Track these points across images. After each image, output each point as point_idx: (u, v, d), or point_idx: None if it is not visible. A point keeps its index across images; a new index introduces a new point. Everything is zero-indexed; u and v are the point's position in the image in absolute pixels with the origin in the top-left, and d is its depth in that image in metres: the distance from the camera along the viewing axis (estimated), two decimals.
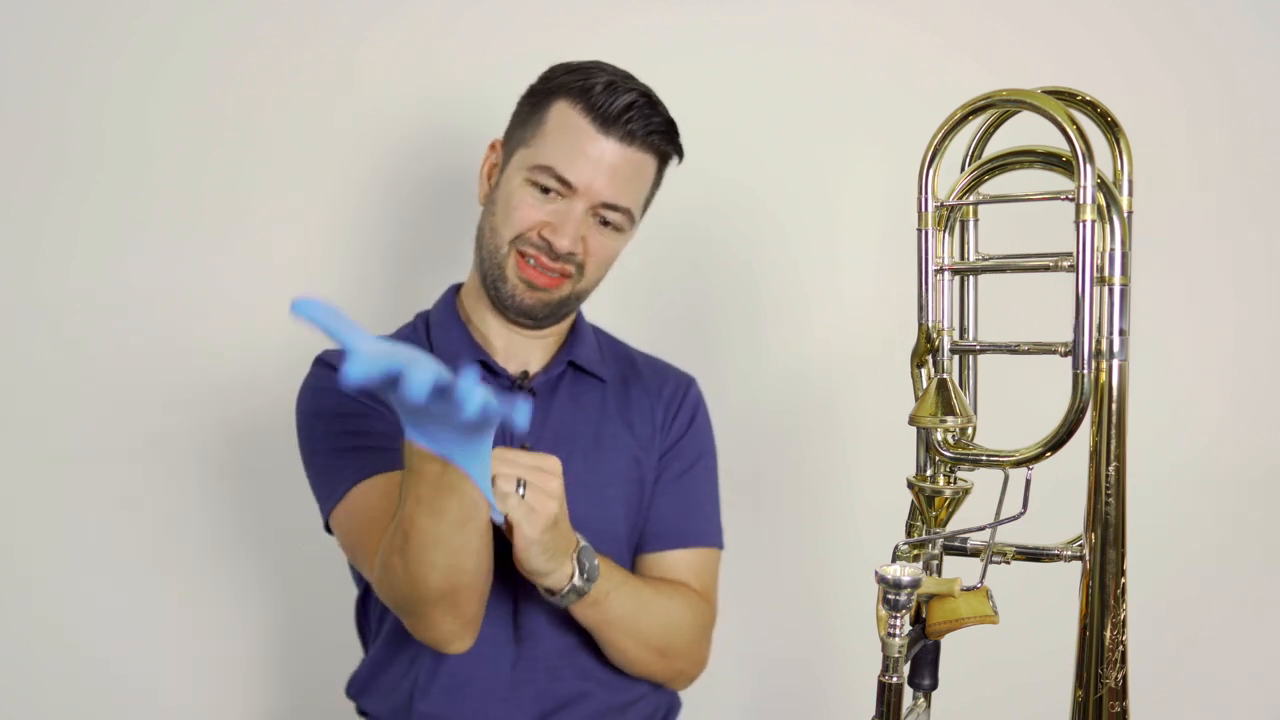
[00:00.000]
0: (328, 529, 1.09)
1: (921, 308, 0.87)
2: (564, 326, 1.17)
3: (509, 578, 1.01)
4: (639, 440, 1.15)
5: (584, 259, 1.08)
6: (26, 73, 1.51)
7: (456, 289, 1.19)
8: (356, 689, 1.16)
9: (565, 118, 1.05)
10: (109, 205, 1.52)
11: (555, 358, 1.15)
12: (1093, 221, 0.79)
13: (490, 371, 1.11)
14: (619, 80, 1.06)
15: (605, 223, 1.08)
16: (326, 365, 1.12)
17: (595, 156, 1.05)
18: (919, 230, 0.87)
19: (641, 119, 1.05)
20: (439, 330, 1.14)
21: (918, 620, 0.88)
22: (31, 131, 1.51)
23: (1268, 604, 1.56)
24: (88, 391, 1.53)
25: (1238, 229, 1.55)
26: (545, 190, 1.06)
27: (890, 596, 0.76)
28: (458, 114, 1.56)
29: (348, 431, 1.06)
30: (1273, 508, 1.55)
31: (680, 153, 1.13)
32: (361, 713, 1.16)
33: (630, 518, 1.13)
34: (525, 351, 1.14)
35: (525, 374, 1.12)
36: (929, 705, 0.91)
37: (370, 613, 1.17)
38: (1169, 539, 1.51)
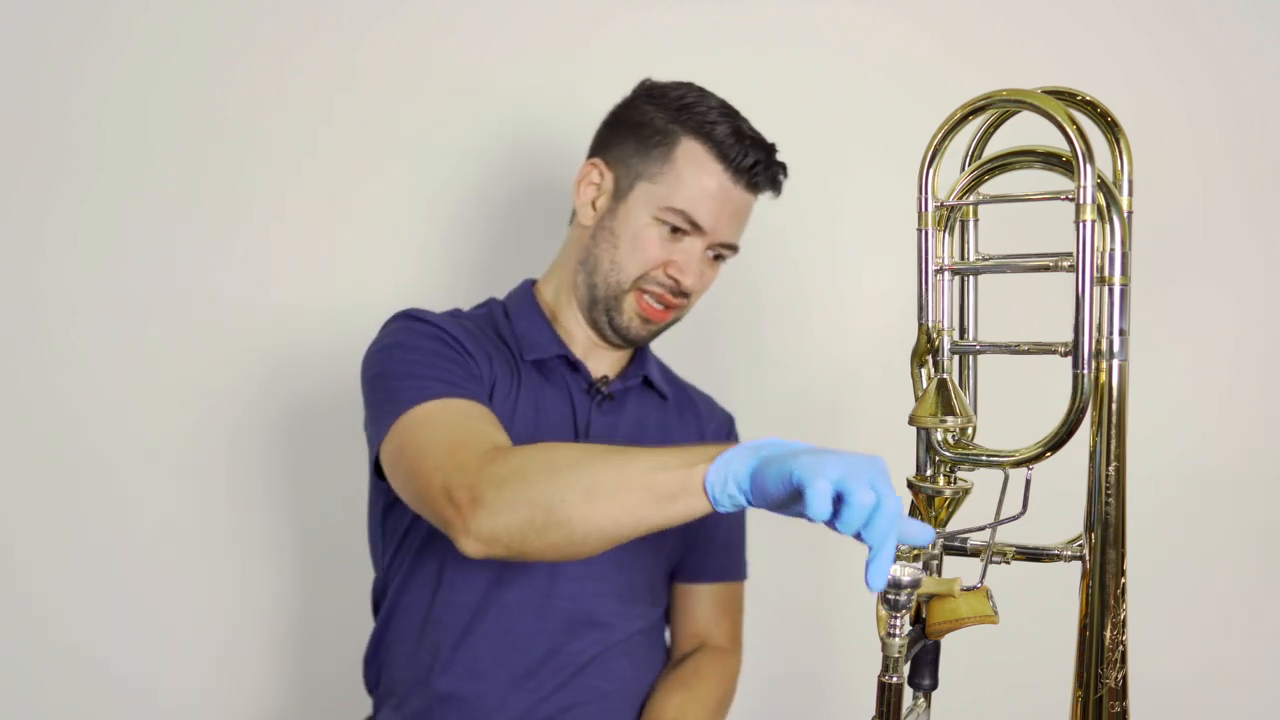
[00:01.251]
0: (376, 449, 1.04)
1: (921, 308, 0.87)
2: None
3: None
4: None
5: (695, 292, 1.15)
6: (27, 73, 1.51)
7: (532, 283, 1.22)
8: (369, 660, 1.17)
9: (698, 162, 1.10)
10: (109, 205, 1.53)
11: (629, 370, 1.21)
12: (1093, 221, 0.79)
13: (573, 369, 1.16)
14: (744, 126, 1.13)
15: (718, 257, 1.16)
16: (416, 319, 1.11)
17: (726, 203, 1.11)
18: (919, 230, 0.87)
19: (767, 173, 1.14)
20: (522, 322, 1.16)
21: (918, 620, 0.88)
22: (31, 132, 1.52)
23: (1268, 604, 1.56)
24: (88, 391, 1.53)
25: (1237, 229, 1.55)
26: (674, 230, 1.11)
27: (890, 596, 0.76)
28: (459, 113, 1.56)
29: (439, 362, 1.05)
30: (1273, 507, 1.54)
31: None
32: (370, 688, 1.17)
33: (676, 535, 1.17)
34: (601, 358, 1.19)
35: (605, 379, 1.17)
36: (929, 705, 0.91)
37: (388, 593, 1.16)
38: (1169, 539, 1.51)
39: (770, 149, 1.14)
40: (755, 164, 1.11)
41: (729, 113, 1.13)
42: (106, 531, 1.54)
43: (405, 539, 1.13)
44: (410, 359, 1.04)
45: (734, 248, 1.16)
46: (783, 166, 1.16)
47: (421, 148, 1.56)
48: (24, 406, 1.53)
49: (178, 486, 1.54)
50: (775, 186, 1.17)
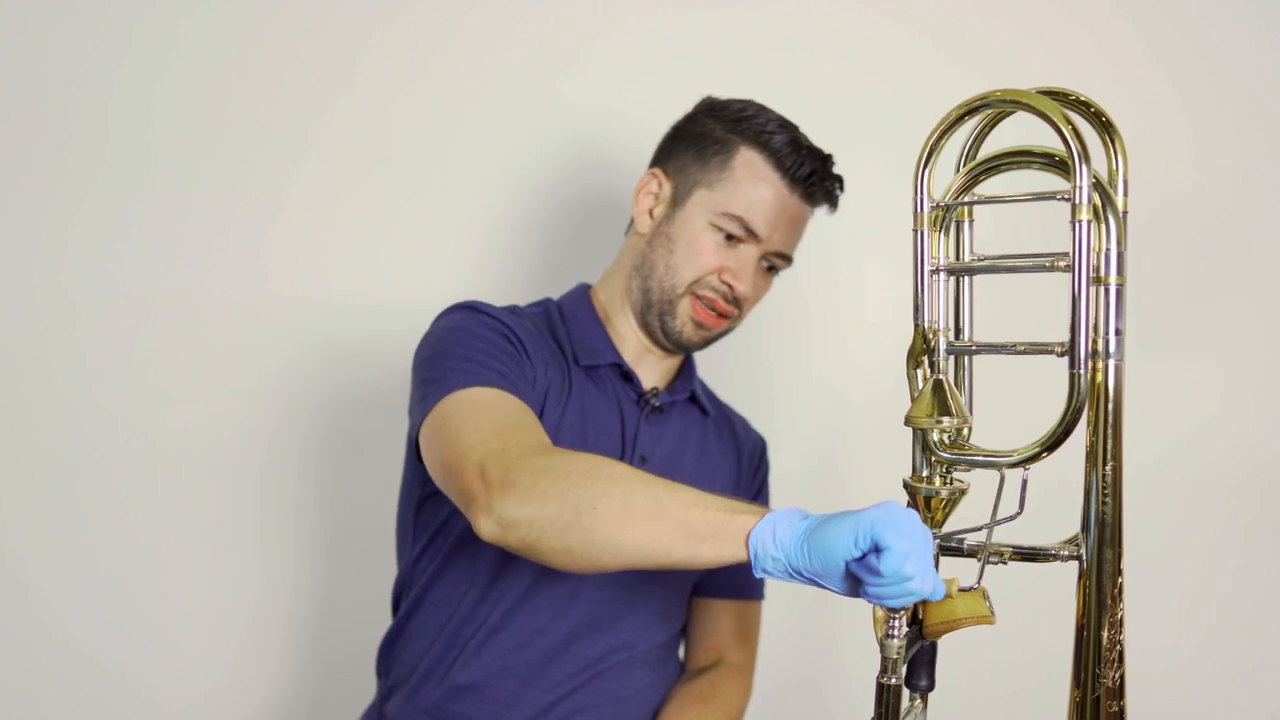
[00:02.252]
0: (417, 427, 1.02)
1: (917, 308, 0.87)
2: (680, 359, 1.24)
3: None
4: (725, 480, 1.22)
5: (749, 301, 1.16)
6: (27, 73, 1.52)
7: (588, 288, 1.22)
8: (384, 648, 1.17)
9: (755, 169, 1.12)
10: (109, 206, 1.53)
11: (676, 383, 1.22)
12: (1088, 221, 0.79)
13: (625, 379, 1.17)
14: (802, 138, 1.15)
15: (771, 268, 1.17)
16: (479, 310, 1.11)
17: (782, 211, 1.13)
18: (914, 231, 0.87)
19: (823, 184, 1.15)
20: (579, 327, 1.17)
21: (915, 621, 0.88)
22: (32, 132, 1.52)
23: (1266, 603, 1.56)
24: (87, 391, 1.53)
25: (1234, 229, 1.55)
26: (730, 237, 1.12)
27: None
28: (459, 115, 1.56)
29: (499, 355, 1.05)
30: (1270, 507, 1.54)
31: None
32: (381, 673, 1.18)
33: None
34: (652, 367, 1.20)
35: (655, 390, 1.18)
36: (926, 706, 0.91)
37: (414, 587, 1.16)
38: (1166, 538, 1.51)
39: (827, 160, 1.16)
40: (811, 174, 1.13)
41: (787, 125, 1.15)
42: (105, 531, 1.54)
43: (439, 534, 1.13)
44: (470, 344, 1.04)
45: (788, 259, 1.18)
46: (839, 180, 1.18)
47: (421, 148, 1.56)
48: (23, 406, 1.53)
49: (177, 487, 1.54)
50: (831, 200, 1.18)
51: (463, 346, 1.04)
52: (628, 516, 0.83)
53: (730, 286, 1.13)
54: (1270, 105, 1.54)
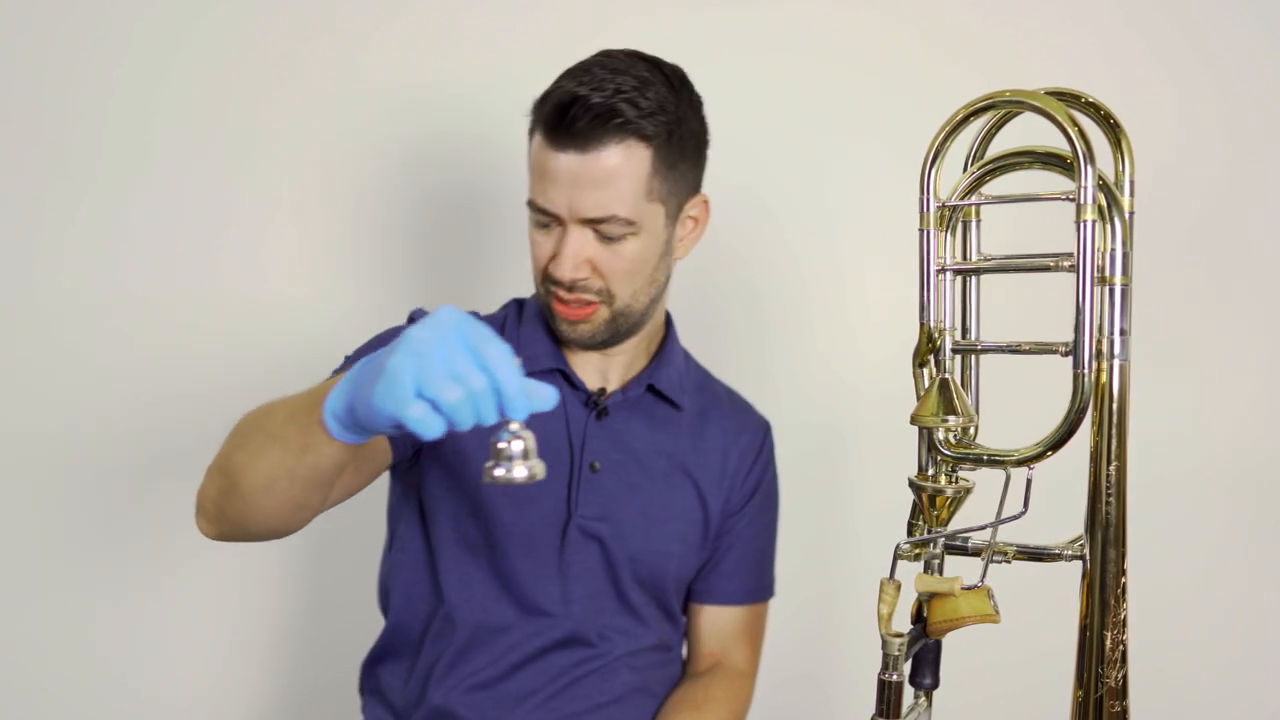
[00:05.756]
0: None
1: (923, 308, 0.87)
2: (648, 346, 1.13)
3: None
4: (708, 480, 1.13)
5: (604, 281, 1.02)
6: (27, 73, 1.51)
7: None
8: (370, 664, 1.15)
9: (536, 147, 1.01)
10: (109, 206, 1.53)
11: (636, 378, 1.11)
12: (1093, 222, 0.79)
13: (569, 384, 1.09)
14: (565, 81, 0.98)
15: (608, 238, 1.00)
16: (410, 319, 1.09)
17: (555, 176, 0.98)
18: (921, 230, 0.87)
19: (586, 114, 0.95)
20: (528, 329, 1.10)
21: (919, 619, 0.88)
22: (32, 132, 1.52)
23: (1268, 603, 1.56)
24: (88, 390, 1.53)
25: (1235, 228, 1.55)
26: (545, 225, 1.02)
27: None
28: (457, 118, 1.56)
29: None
30: (1273, 506, 1.55)
31: (673, 121, 0.99)
32: (367, 691, 1.16)
33: (683, 557, 1.12)
34: (595, 366, 1.11)
35: (603, 391, 1.10)
36: (930, 704, 0.91)
37: (394, 591, 1.15)
38: (1169, 539, 1.51)
39: (575, 100, 0.95)
40: (565, 112, 0.95)
41: (558, 89, 0.98)
42: (104, 531, 1.54)
43: (409, 545, 1.12)
44: (359, 350, 1.06)
45: (611, 219, 0.98)
46: (606, 104, 0.95)
47: (419, 150, 1.56)
48: (22, 405, 1.53)
49: (176, 487, 1.54)
50: (626, 124, 0.95)
51: (358, 351, 1.05)
52: (251, 456, 0.82)
53: (554, 274, 1.01)
54: (1270, 105, 1.54)
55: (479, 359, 0.64)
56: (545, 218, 1.01)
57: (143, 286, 1.53)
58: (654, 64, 1.02)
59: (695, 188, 1.07)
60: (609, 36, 1.56)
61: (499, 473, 0.66)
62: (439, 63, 1.56)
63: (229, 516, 0.87)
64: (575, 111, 0.95)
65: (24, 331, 1.52)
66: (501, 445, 0.66)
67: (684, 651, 1.23)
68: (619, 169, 0.97)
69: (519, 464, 0.66)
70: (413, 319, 1.09)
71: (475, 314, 1.14)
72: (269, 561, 1.56)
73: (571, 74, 1.00)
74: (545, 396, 0.67)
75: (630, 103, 0.96)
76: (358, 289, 1.55)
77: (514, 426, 0.66)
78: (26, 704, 1.53)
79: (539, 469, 0.67)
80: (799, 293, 1.57)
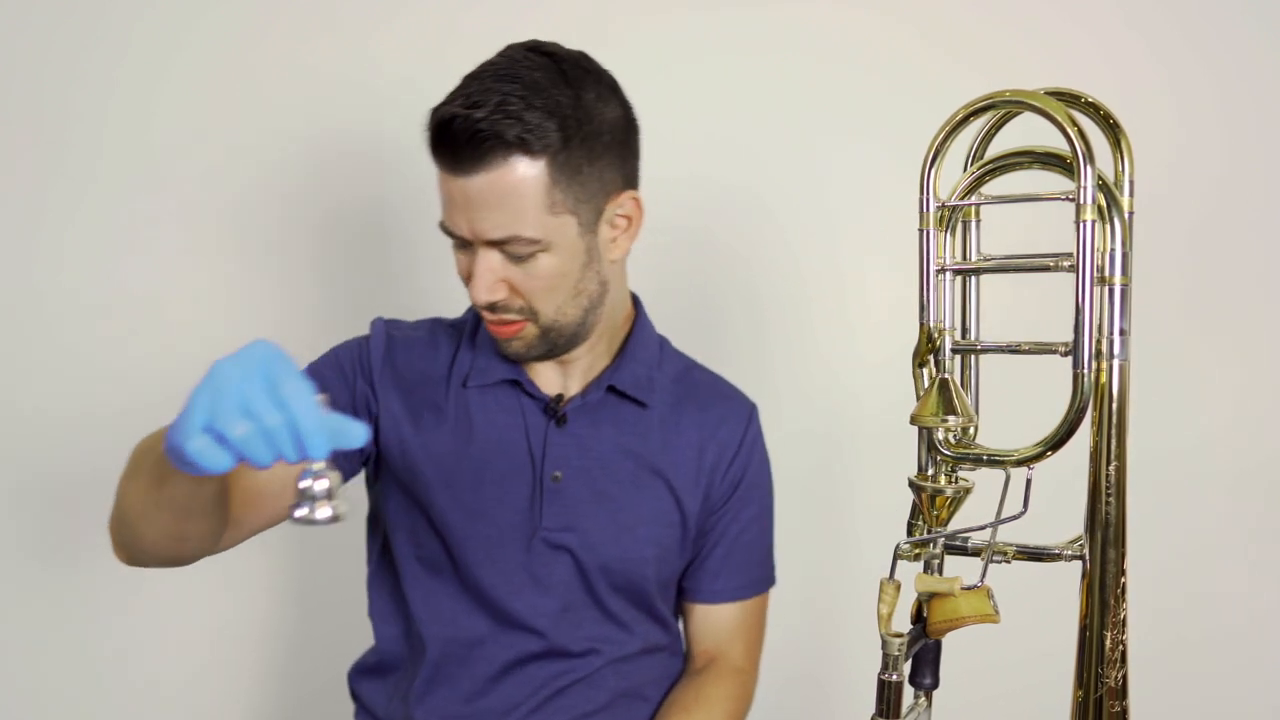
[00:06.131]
0: None
1: (923, 308, 0.87)
2: (609, 345, 1.09)
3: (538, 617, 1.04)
4: (682, 478, 1.09)
5: (524, 299, 0.97)
6: (27, 73, 1.51)
7: None
8: (356, 675, 1.15)
9: (438, 173, 0.96)
10: (109, 206, 1.53)
11: (596, 380, 1.07)
12: (1093, 222, 0.79)
13: (526, 394, 1.06)
14: (451, 96, 0.93)
15: (516, 257, 0.94)
16: (356, 338, 1.11)
17: (452, 198, 0.94)
18: (920, 230, 0.87)
19: (465, 136, 0.89)
20: (485, 338, 1.07)
21: (919, 619, 0.88)
22: (32, 132, 1.52)
23: (1268, 604, 1.57)
24: (87, 390, 1.53)
25: (1235, 228, 1.55)
26: (461, 246, 0.98)
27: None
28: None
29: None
30: (1273, 506, 1.55)
31: (570, 126, 0.92)
32: (356, 700, 1.15)
33: (662, 560, 1.09)
34: (554, 372, 1.07)
35: (560, 398, 1.06)
36: (930, 704, 0.91)
37: (371, 606, 1.15)
38: (1169, 539, 1.51)
39: (455, 117, 0.90)
40: (443, 136, 0.91)
41: (438, 112, 0.93)
42: (103, 530, 1.53)
43: (381, 561, 1.12)
44: (310, 365, 1.08)
45: (515, 240, 0.93)
46: (486, 124, 0.89)
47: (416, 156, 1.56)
48: (21, 405, 1.53)
49: None
50: (489, 152, 0.90)
51: (310, 366, 1.07)
52: (127, 489, 0.85)
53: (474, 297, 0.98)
54: (1270, 105, 1.54)
55: (276, 396, 0.63)
56: (459, 242, 0.97)
57: (143, 286, 1.53)
58: (550, 58, 0.96)
59: (621, 185, 0.99)
60: (609, 36, 1.56)
61: (300, 513, 0.65)
62: (439, 62, 1.55)
63: (124, 542, 0.91)
64: (455, 132, 0.90)
65: (24, 331, 1.52)
66: (303, 485, 0.65)
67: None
68: (513, 189, 0.91)
69: (322, 504, 0.65)
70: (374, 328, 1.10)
71: (437, 320, 1.13)
72: (264, 566, 1.56)
73: (460, 86, 0.94)
74: (354, 434, 0.65)
75: (514, 117, 0.89)
76: (362, 289, 1.55)
77: (316, 466, 0.65)
78: (14, 712, 1.53)
79: (343, 508, 0.66)
80: (799, 293, 1.57)
